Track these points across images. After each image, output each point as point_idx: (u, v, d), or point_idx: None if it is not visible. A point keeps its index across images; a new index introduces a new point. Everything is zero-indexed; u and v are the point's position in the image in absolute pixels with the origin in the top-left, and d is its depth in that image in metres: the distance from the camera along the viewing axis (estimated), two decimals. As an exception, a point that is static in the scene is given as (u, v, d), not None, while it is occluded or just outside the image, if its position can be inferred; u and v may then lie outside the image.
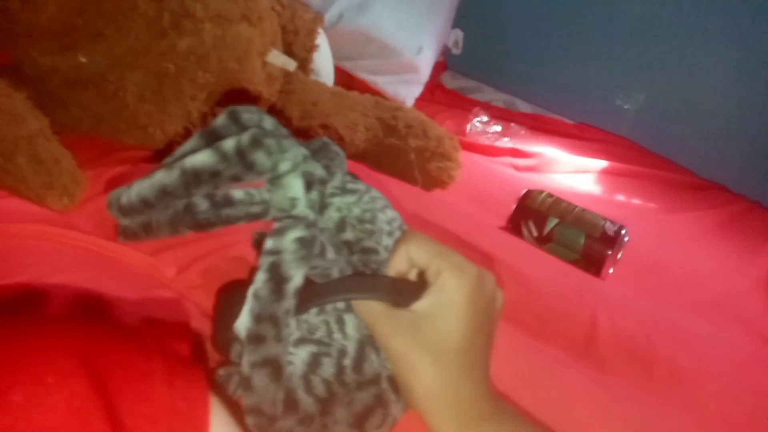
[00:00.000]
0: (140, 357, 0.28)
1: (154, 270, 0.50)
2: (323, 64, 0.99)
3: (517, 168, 1.12)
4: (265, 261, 0.32)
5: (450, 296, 0.33)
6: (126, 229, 0.40)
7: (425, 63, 1.29)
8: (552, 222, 0.78)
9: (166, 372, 0.28)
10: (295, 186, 0.37)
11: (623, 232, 0.75)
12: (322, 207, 0.39)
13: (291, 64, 0.79)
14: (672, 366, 0.61)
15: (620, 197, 1.08)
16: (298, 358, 0.33)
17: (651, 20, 1.26)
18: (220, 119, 0.39)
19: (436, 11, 1.34)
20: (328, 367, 0.33)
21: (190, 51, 0.65)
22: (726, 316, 0.76)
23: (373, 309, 0.33)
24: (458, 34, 1.50)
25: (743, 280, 0.87)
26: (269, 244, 0.33)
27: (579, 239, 0.76)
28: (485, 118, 1.27)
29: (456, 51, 1.53)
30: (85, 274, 0.43)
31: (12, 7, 0.55)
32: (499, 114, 1.34)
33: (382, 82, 1.23)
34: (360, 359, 0.34)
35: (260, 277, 0.32)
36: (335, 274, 0.36)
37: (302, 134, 0.79)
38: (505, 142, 1.22)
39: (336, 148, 0.45)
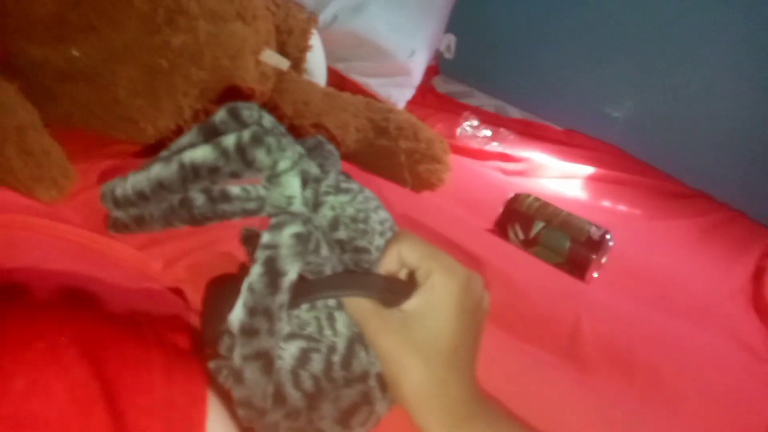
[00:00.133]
0: (140, 347, 0.28)
1: (141, 264, 0.50)
2: (316, 64, 1.00)
3: (505, 172, 1.13)
4: (261, 255, 0.33)
5: (440, 297, 0.33)
6: (117, 221, 0.40)
7: (417, 66, 1.30)
8: (538, 225, 0.79)
9: (165, 363, 0.28)
10: (292, 184, 0.37)
11: (608, 237, 0.76)
12: (315, 205, 0.39)
13: (284, 64, 0.79)
14: (653, 369, 0.62)
15: (606, 203, 1.10)
16: (288, 352, 0.34)
17: (642, 30, 1.28)
18: (220, 115, 0.39)
19: (429, 16, 1.35)
20: (317, 363, 0.33)
21: (184, 47, 0.65)
22: (707, 321, 0.77)
23: (363, 307, 0.34)
24: (451, 38, 1.51)
25: (724, 286, 0.88)
26: (266, 238, 0.33)
27: (564, 243, 0.77)
28: (475, 123, 1.28)
29: (448, 55, 1.54)
30: (72, 266, 0.43)
31: (8, -1, 0.55)
32: (489, 119, 1.35)
33: (374, 84, 1.24)
34: (349, 356, 0.34)
35: (256, 271, 0.32)
36: (328, 271, 0.36)
37: (294, 133, 0.79)
38: (494, 147, 1.23)
39: (330, 147, 0.46)
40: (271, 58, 0.77)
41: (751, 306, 0.85)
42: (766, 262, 0.96)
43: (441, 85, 1.57)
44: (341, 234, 0.38)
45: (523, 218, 0.80)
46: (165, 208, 0.37)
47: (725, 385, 0.65)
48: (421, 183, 0.86)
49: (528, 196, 0.83)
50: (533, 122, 1.41)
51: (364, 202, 0.40)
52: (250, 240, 0.47)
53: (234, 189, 0.37)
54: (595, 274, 0.77)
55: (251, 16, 0.73)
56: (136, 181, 0.37)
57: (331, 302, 0.36)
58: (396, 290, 0.35)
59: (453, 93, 1.53)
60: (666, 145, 1.30)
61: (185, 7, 0.65)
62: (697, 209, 1.13)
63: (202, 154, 0.35)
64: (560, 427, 0.50)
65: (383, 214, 0.41)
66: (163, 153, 0.39)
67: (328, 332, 0.35)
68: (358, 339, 0.35)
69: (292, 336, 0.34)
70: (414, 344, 0.33)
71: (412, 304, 0.34)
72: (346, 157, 0.85)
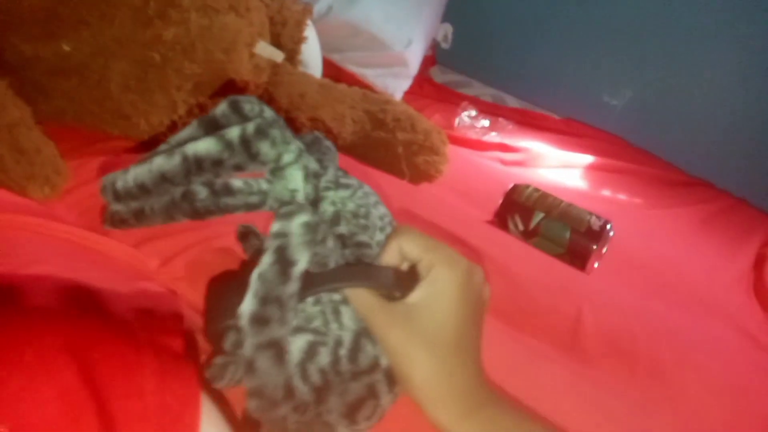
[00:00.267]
0: (131, 351, 0.28)
1: (137, 261, 0.49)
2: (311, 56, 0.99)
3: (504, 162, 1.12)
4: (272, 244, 0.32)
5: (443, 288, 0.34)
6: (114, 215, 0.39)
7: (414, 56, 1.29)
8: (538, 216, 0.78)
9: (157, 367, 0.28)
10: (296, 177, 0.37)
11: (608, 227, 0.76)
12: (315, 200, 0.39)
13: (278, 56, 0.78)
14: (654, 360, 0.62)
15: (606, 192, 1.09)
16: (295, 346, 0.33)
17: (639, 17, 1.27)
18: (221, 108, 0.39)
19: (425, 5, 1.34)
20: (324, 357, 0.33)
21: (176, 41, 0.64)
22: (708, 311, 0.77)
23: (368, 302, 0.34)
24: (447, 28, 1.50)
25: (726, 275, 0.88)
26: (276, 227, 0.33)
27: (564, 233, 0.76)
28: (473, 113, 1.27)
29: (445, 45, 1.53)
30: (66, 265, 0.42)
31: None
32: (487, 109, 1.34)
33: (370, 74, 1.23)
34: (355, 350, 0.34)
35: (266, 260, 0.32)
36: (332, 263, 0.36)
37: (290, 126, 0.79)
38: (493, 137, 1.22)
39: (328, 142, 0.46)
40: (265, 50, 0.76)
41: (753, 294, 0.85)
42: (767, 250, 0.96)
43: (438, 75, 1.56)
44: (342, 229, 0.38)
45: (522, 209, 0.80)
46: (166, 202, 0.37)
47: (727, 374, 0.64)
48: (419, 175, 0.85)
49: (527, 186, 0.82)
50: (532, 111, 1.40)
51: (363, 197, 0.40)
52: (247, 237, 0.47)
53: (236, 182, 0.37)
54: (596, 265, 0.77)
55: (244, 8, 0.72)
56: (137, 173, 0.37)
57: (336, 296, 0.36)
58: (400, 283, 0.35)
59: (450, 83, 1.52)
60: (665, 132, 1.30)
61: (177, -1, 0.64)
62: (697, 197, 1.13)
63: (205, 146, 0.35)
64: (560, 420, 0.50)
65: (382, 209, 0.41)
66: (163, 146, 0.38)
67: (334, 326, 0.35)
68: (364, 332, 0.35)
69: (298, 330, 0.34)
70: (420, 336, 0.33)
71: (416, 296, 0.34)
72: (343, 149, 0.84)
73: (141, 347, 0.28)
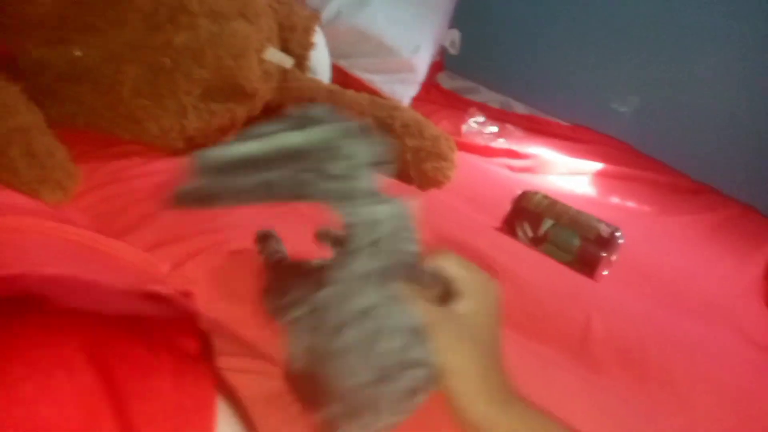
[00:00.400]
0: (148, 353, 0.28)
1: (148, 265, 0.49)
2: (320, 61, 0.99)
3: (512, 169, 1.12)
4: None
5: (483, 299, 0.41)
6: (183, 196, 0.39)
7: (422, 62, 1.29)
8: (547, 223, 0.78)
9: (174, 369, 0.28)
10: (370, 179, 0.40)
11: (618, 234, 0.76)
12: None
13: (287, 62, 0.78)
14: (664, 368, 0.62)
15: (615, 200, 1.09)
16: (356, 331, 0.36)
17: (647, 24, 1.27)
18: (317, 109, 0.41)
19: (433, 11, 1.34)
20: (383, 344, 0.36)
21: (186, 46, 0.65)
22: (718, 319, 0.76)
23: (428, 304, 0.39)
24: (455, 34, 1.50)
25: (736, 283, 0.87)
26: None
27: (574, 241, 0.76)
28: (481, 119, 1.27)
29: (453, 51, 1.53)
30: (80, 269, 0.43)
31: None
32: (495, 115, 1.34)
33: (378, 80, 1.23)
34: (409, 344, 0.37)
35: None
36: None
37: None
38: (501, 143, 1.22)
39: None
40: (275, 56, 0.76)
41: (764, 303, 0.84)
42: (777, 257, 0.95)
43: (446, 81, 1.56)
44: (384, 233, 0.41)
45: (531, 216, 0.80)
46: (257, 182, 0.38)
47: (737, 384, 0.64)
48: (428, 181, 0.85)
49: (536, 193, 0.82)
50: (540, 118, 1.40)
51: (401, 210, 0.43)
52: (266, 240, 0.49)
53: (335, 170, 0.39)
54: (605, 272, 0.76)
55: (254, 14, 0.73)
56: (233, 152, 0.38)
57: (394, 293, 0.38)
58: (451, 292, 0.40)
59: (458, 89, 1.52)
60: (673, 139, 1.29)
61: (187, 4, 0.65)
62: (705, 204, 1.12)
63: (301, 138, 0.38)
64: (571, 426, 0.50)
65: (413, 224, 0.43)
66: (242, 134, 0.40)
67: (391, 320, 0.37)
68: (416, 329, 0.37)
69: (359, 317, 0.36)
70: (468, 338, 0.38)
71: (464, 304, 0.40)
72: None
73: (157, 348, 0.28)
